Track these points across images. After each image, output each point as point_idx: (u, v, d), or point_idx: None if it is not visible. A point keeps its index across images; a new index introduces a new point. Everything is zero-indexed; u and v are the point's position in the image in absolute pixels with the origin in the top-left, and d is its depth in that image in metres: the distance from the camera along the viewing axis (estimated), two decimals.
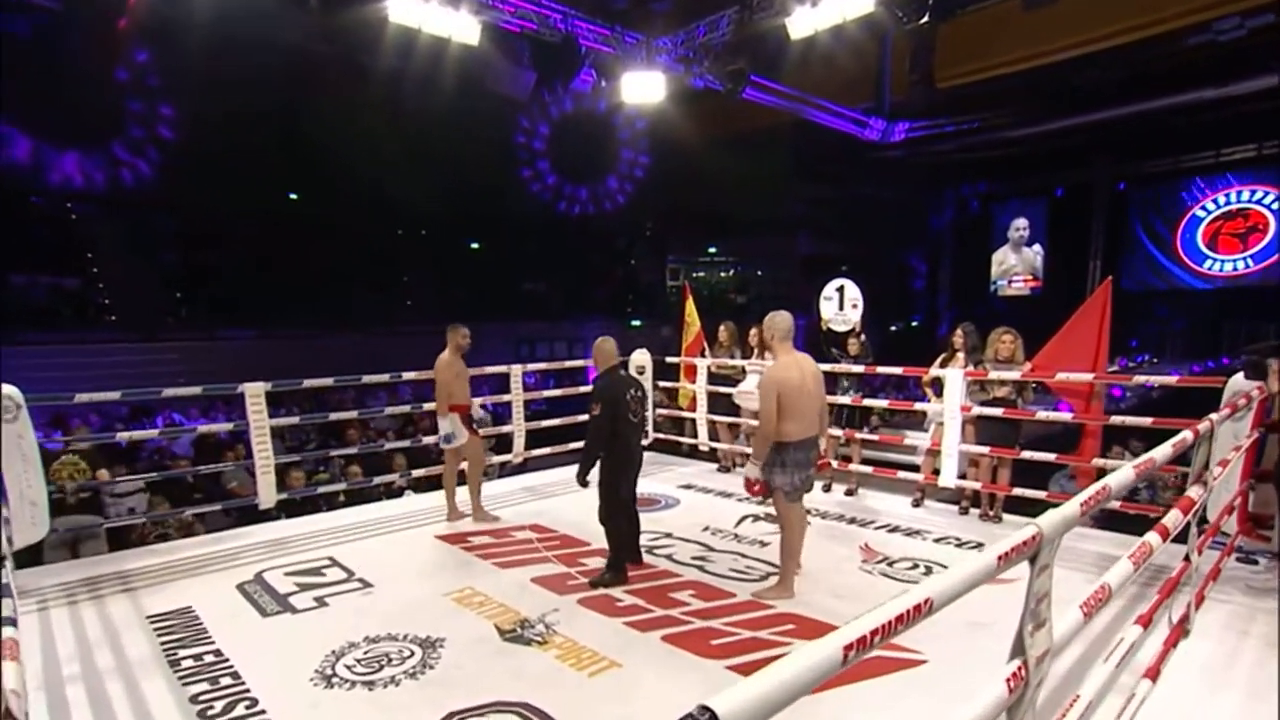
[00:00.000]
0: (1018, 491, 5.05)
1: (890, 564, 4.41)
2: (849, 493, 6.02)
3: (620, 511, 4.31)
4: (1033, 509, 5.49)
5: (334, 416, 6.25)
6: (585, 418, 6.72)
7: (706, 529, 5.12)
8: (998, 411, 5.07)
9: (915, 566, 4.35)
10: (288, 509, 5.70)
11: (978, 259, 20.56)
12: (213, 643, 3.35)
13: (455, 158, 18.49)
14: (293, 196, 19.00)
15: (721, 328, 7.13)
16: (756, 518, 5.39)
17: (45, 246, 14.10)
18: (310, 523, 5.31)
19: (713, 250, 24.87)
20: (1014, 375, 5.04)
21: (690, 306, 7.54)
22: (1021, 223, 19.48)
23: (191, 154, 14.89)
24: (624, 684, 3.02)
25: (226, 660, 3.18)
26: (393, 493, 6.46)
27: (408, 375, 5.96)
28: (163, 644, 3.34)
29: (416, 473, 6.15)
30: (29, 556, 4.34)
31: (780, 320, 3.96)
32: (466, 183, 19.04)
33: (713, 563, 4.46)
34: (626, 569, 4.20)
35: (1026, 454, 4.97)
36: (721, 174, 19.92)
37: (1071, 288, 16.35)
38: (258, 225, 17.18)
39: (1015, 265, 19.80)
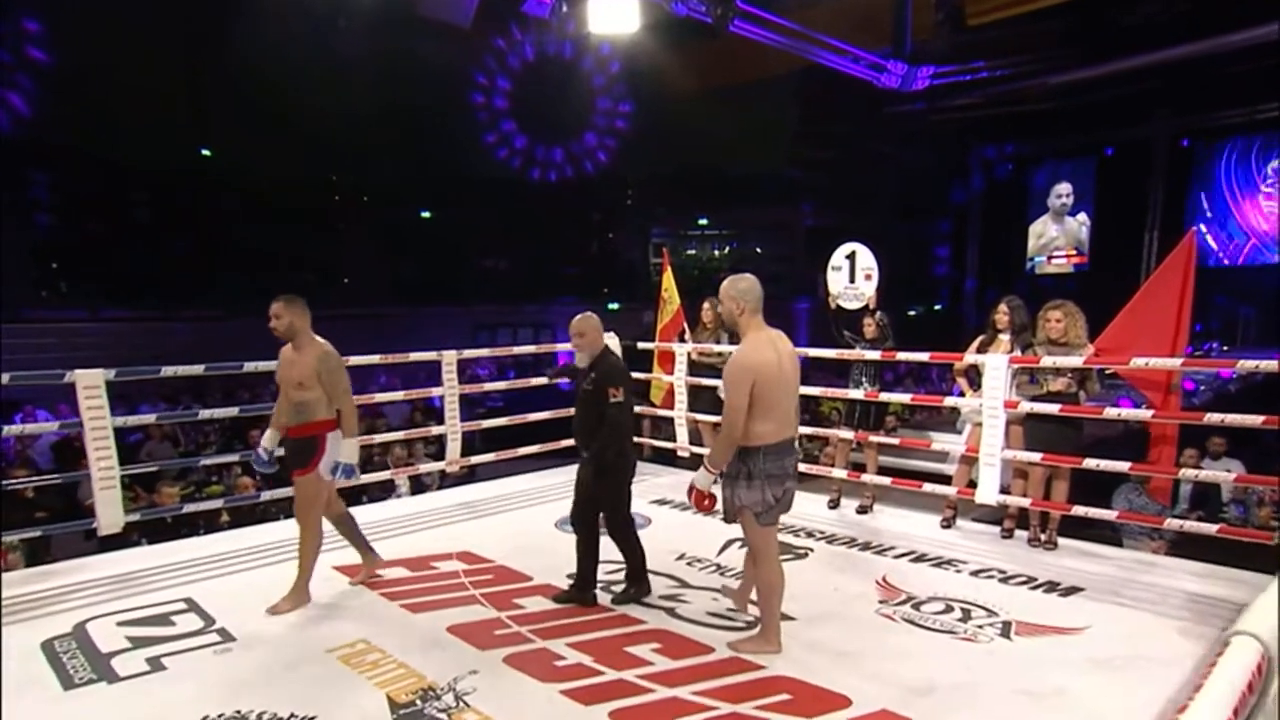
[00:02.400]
0: (1080, 511, 4.52)
1: (916, 605, 3.88)
2: (862, 510, 5.49)
3: (629, 518, 4.06)
4: (1092, 531, 5.02)
5: (204, 414, 5.61)
6: (542, 416, 6.40)
7: (681, 557, 4.57)
8: (1054, 408, 4.54)
9: (949, 609, 3.82)
10: (153, 533, 5.10)
11: (1011, 232, 20.10)
12: None
13: (401, 109, 17.83)
14: (205, 153, 18.21)
15: (706, 305, 6.57)
16: (745, 543, 4.84)
17: None
18: (172, 552, 4.70)
19: (704, 222, 24.34)
20: (1075, 362, 4.51)
21: (669, 279, 7.02)
22: (1064, 188, 19.00)
23: (74, 87, 14.07)
24: None
25: None
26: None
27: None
28: None
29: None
30: None
31: (747, 286, 3.36)
32: (418, 141, 18.39)
33: (686, 603, 3.92)
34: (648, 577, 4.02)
35: (1092, 463, 4.42)
36: (715, 132, 19.41)
37: (1123, 263, 15.90)
38: (159, 185, 16.40)
39: (1056, 238, 19.36)
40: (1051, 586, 4.11)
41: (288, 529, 5.23)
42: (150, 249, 15.54)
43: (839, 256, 5.75)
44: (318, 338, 3.89)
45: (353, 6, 13.50)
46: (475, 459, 6.41)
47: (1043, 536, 4.73)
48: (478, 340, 17.81)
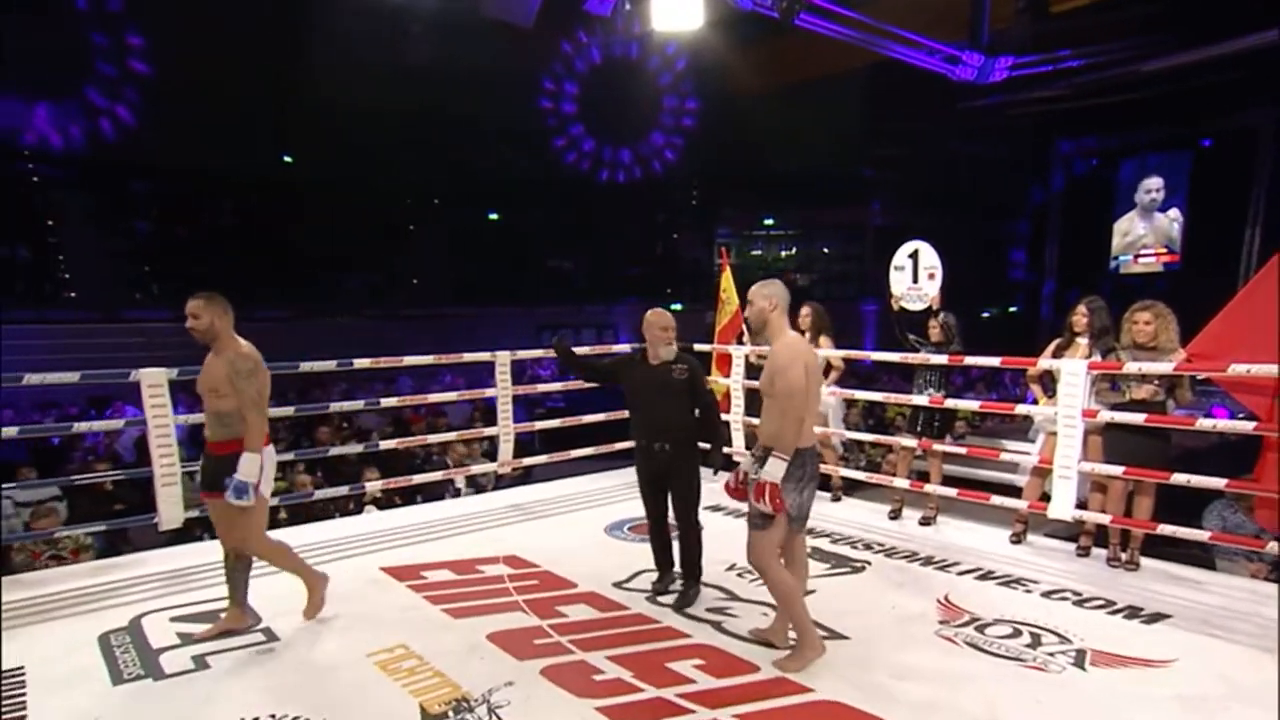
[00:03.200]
0: (1166, 530, 4.15)
1: (980, 628, 3.61)
2: (924, 521, 5.21)
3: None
4: (1179, 551, 4.62)
5: (274, 412, 5.67)
6: (598, 417, 6.30)
7: (732, 568, 4.39)
8: (1138, 418, 4.18)
9: (1016, 634, 3.54)
10: (212, 529, 5.20)
11: (1094, 230, 19.06)
12: None
13: (469, 113, 18.06)
14: (287, 159, 18.83)
15: None
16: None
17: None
18: None
19: (769, 223, 23.93)
20: (1164, 368, 4.14)
21: (727, 280, 6.84)
22: (1154, 183, 17.90)
23: (173, 96, 14.75)
24: None
25: None
26: (349, 509, 5.93)
27: (360, 362, 5.40)
28: None
29: (374, 485, 5.59)
30: None
31: (778, 288, 3.31)
32: (486, 146, 18.60)
33: (734, 617, 3.74)
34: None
35: (1181, 478, 4.04)
36: (782, 131, 19.08)
37: (1221, 262, 14.87)
38: (245, 191, 17.04)
39: (1145, 235, 18.26)
40: (1133, 612, 3.78)
41: (339, 527, 5.31)
42: (232, 253, 16.17)
43: (901, 256, 5.48)
44: (240, 340, 3.45)
45: (420, 12, 13.77)
46: (528, 460, 6.36)
47: (1123, 556, 4.37)
48: (541, 340, 17.91)
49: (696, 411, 3.99)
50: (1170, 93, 14.67)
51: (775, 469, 3.08)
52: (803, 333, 5.58)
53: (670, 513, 4.08)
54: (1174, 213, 17.99)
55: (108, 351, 11.50)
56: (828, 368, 5.72)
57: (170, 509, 4.53)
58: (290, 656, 3.37)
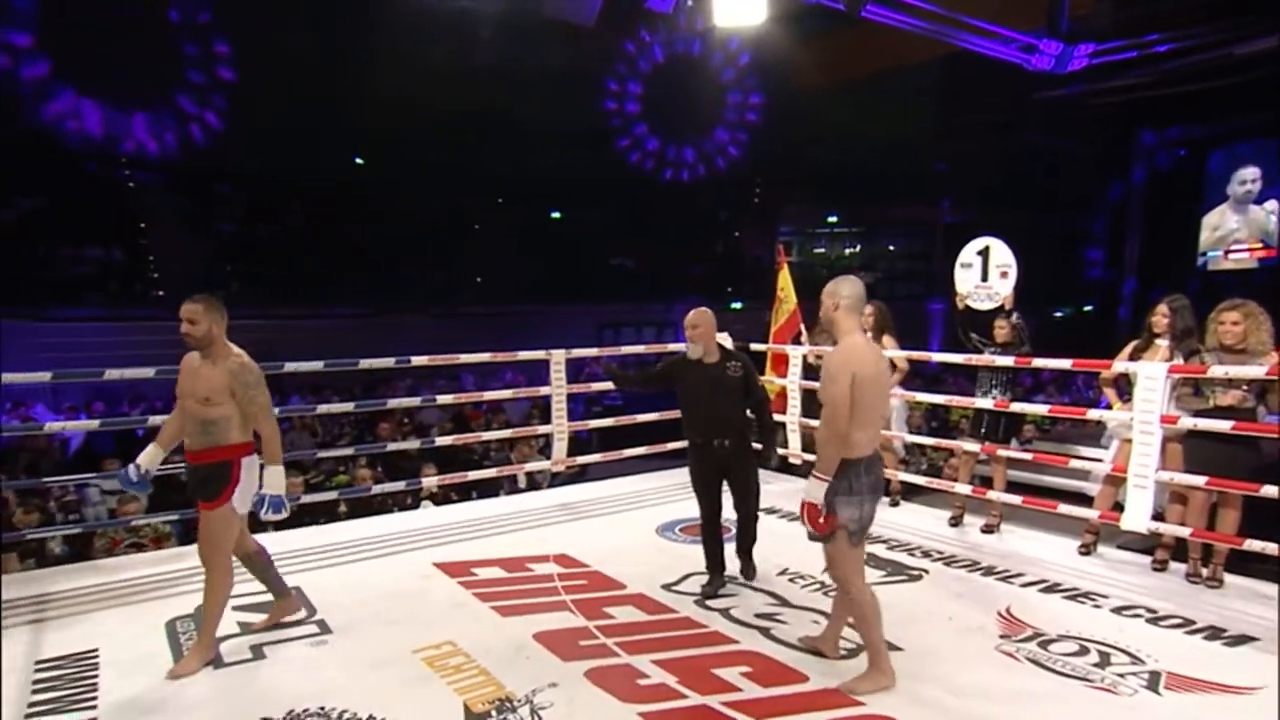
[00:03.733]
0: (1254, 545, 3.86)
1: (1044, 644, 3.43)
2: (987, 529, 4.99)
3: None
4: (1265, 568, 4.30)
5: (321, 409, 5.86)
6: (654, 417, 6.25)
7: (784, 572, 4.29)
8: (1224, 425, 3.90)
9: (1083, 651, 3.35)
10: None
11: (1180, 224, 18.09)
12: (94, 707, 2.90)
13: (535, 117, 18.22)
14: (359, 161, 19.36)
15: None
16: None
17: (98, 217, 14.92)
18: (291, 539, 4.90)
19: (833, 220, 23.45)
20: (1253, 372, 3.86)
21: (785, 279, 6.70)
22: (1250, 173, 16.80)
23: (254, 102, 15.37)
24: None
25: None
26: (408, 505, 6.03)
27: (417, 360, 5.47)
28: (30, 706, 2.92)
29: (430, 481, 5.68)
30: None
31: (848, 286, 3.13)
32: (550, 146, 18.73)
33: (784, 624, 3.65)
34: None
35: (1273, 490, 3.72)
36: (847, 126, 18.67)
37: None
38: (319, 193, 17.58)
39: (1237, 229, 17.19)
40: (1215, 633, 3.53)
41: (396, 522, 5.40)
42: (305, 253, 16.71)
43: (969, 253, 5.26)
44: (233, 347, 3.34)
45: (485, 15, 13.96)
46: (583, 459, 6.36)
47: (1205, 572, 4.10)
48: (602, 338, 17.97)
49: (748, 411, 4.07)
50: (1265, 77, 13.78)
51: (814, 490, 2.95)
52: (865, 332, 5.42)
53: (725, 510, 4.11)
54: (1271, 204, 16.89)
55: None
56: (892, 368, 5.54)
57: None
58: (341, 650, 3.42)
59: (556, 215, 21.91)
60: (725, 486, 4.12)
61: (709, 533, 4.12)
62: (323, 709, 2.91)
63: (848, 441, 2.93)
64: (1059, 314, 20.64)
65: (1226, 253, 17.66)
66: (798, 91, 19.22)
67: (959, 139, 19.88)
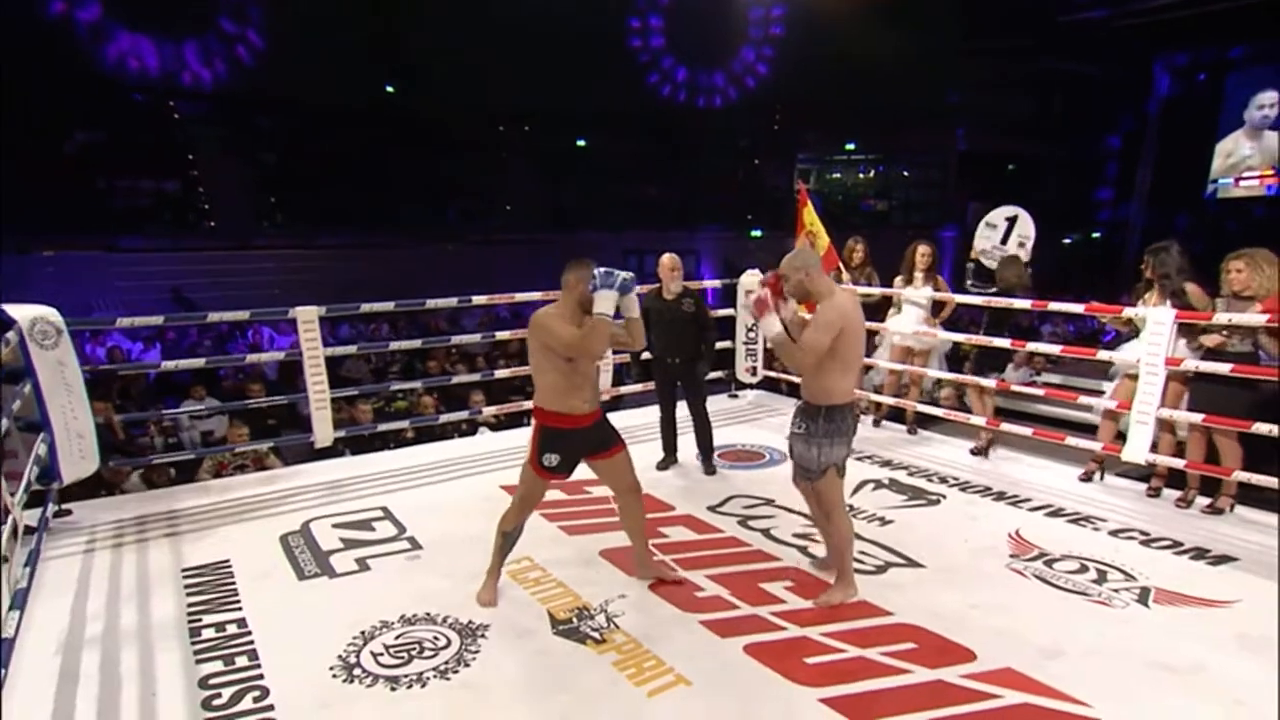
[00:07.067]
0: (1242, 477, 4.10)
1: (1049, 563, 3.73)
2: (976, 451, 5.33)
3: None
4: (1256, 494, 4.54)
5: (393, 346, 6.14)
6: None
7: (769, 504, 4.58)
8: (1224, 368, 4.09)
9: (1083, 569, 3.65)
10: (352, 445, 5.72)
11: (1195, 151, 17.57)
12: (239, 609, 3.28)
13: (559, 41, 17.78)
14: (389, 89, 19.08)
15: (850, 243, 6.33)
16: (880, 484, 4.81)
17: (147, 148, 14.97)
18: (369, 463, 5.26)
19: (851, 148, 22.99)
20: (1249, 319, 4.01)
21: (810, 214, 6.63)
22: (1268, 97, 16.09)
23: (290, 34, 15.17)
24: (689, 711, 2.65)
25: (248, 634, 3.08)
26: (465, 431, 6.37)
27: (478, 299, 5.69)
28: (189, 607, 3.31)
29: (489, 410, 5.99)
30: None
31: (800, 257, 3.36)
32: (574, 71, 18.33)
33: (817, 542, 3.94)
34: None
35: (1265, 428, 3.92)
36: (871, 52, 18.13)
37: None
38: (354, 121, 17.43)
39: (1250, 155, 16.67)
40: (1200, 553, 3.81)
41: (459, 447, 5.73)
42: (342, 183, 16.71)
43: (998, 215, 5.38)
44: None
45: None
46: (624, 389, 6.62)
47: (1204, 502, 4.35)
48: (628, 264, 18.02)
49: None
50: None
51: (771, 324, 3.19)
52: (921, 272, 5.60)
53: (680, 409, 5.12)
54: None
55: (246, 275, 12.32)
56: (942, 306, 5.72)
57: (323, 429, 5.01)
58: (436, 564, 3.75)
59: (581, 143, 21.63)
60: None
61: (665, 425, 5.17)
62: (429, 614, 3.27)
63: (834, 392, 3.18)
64: (1068, 240, 20.39)
65: (1238, 179, 17.23)
66: (823, 18, 18.64)
67: (982, 64, 19.24)
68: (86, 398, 4.14)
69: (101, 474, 4.54)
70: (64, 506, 4.27)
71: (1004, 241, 5.27)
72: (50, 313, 4.00)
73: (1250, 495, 4.36)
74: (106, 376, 6.94)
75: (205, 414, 6.74)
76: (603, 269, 3.15)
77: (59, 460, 4.04)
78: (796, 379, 6.84)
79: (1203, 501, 4.37)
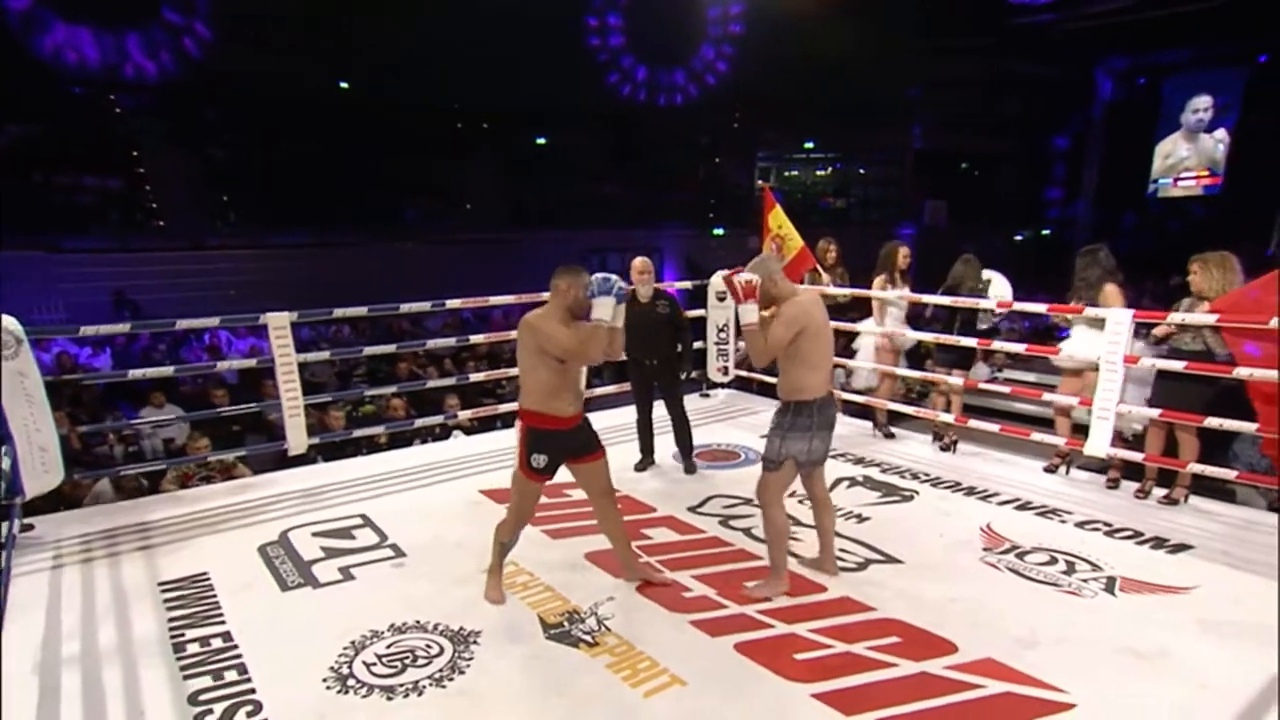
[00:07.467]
0: (1198, 469, 4.33)
1: (1020, 555, 3.89)
2: (944, 448, 5.53)
3: None
4: (1208, 484, 4.78)
5: (367, 351, 6.06)
6: None
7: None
8: (1178, 365, 4.31)
9: (1053, 561, 3.81)
10: (325, 451, 5.64)
11: (1136, 152, 18.34)
12: (223, 622, 3.23)
13: (519, 38, 17.68)
14: (343, 85, 18.73)
15: (822, 244, 6.44)
16: (855, 481, 4.93)
17: (87, 143, 14.44)
18: (344, 470, 5.20)
19: (809, 146, 23.33)
20: (1196, 318, 4.24)
21: (777, 216, 6.67)
22: (1202, 101, 16.95)
23: (240, 26, 14.78)
24: (685, 711, 2.71)
25: (234, 647, 3.04)
26: (438, 435, 6.32)
27: (452, 303, 5.66)
28: (170, 621, 3.24)
29: (464, 414, 5.96)
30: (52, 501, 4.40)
31: (764, 265, 3.43)
32: (534, 70, 18.24)
33: (800, 541, 4.05)
34: None
35: (1215, 422, 4.17)
36: (829, 51, 18.41)
37: (1264, 188, 14.23)
38: (308, 117, 17.06)
39: (1187, 157, 17.49)
40: (1159, 543, 4.01)
41: (434, 452, 5.70)
42: (297, 180, 16.35)
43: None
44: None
45: None
46: (597, 390, 6.66)
47: (1162, 492, 4.57)
48: (589, 264, 18.02)
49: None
50: (1230, 4, 13.75)
51: (750, 312, 3.27)
52: (900, 273, 5.75)
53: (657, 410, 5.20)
54: (1220, 133, 17.18)
55: (201, 277, 11.98)
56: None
57: (296, 436, 4.93)
58: (421, 572, 3.73)
59: (541, 141, 21.54)
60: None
61: (642, 427, 5.26)
62: (419, 622, 3.26)
63: (803, 387, 3.32)
64: (1018, 237, 21.02)
65: (1176, 180, 18.01)
66: (778, 16, 18.86)
67: (936, 63, 19.70)
68: (49, 409, 4.02)
69: (61, 487, 4.40)
70: (26, 521, 4.13)
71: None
72: (10, 322, 3.88)
73: (1203, 485, 4.61)
74: (57, 385, 6.69)
75: (170, 421, 6.56)
76: (600, 275, 3.19)
77: (21, 474, 3.91)
78: (769, 379, 7.02)
79: (1159, 493, 4.59)
